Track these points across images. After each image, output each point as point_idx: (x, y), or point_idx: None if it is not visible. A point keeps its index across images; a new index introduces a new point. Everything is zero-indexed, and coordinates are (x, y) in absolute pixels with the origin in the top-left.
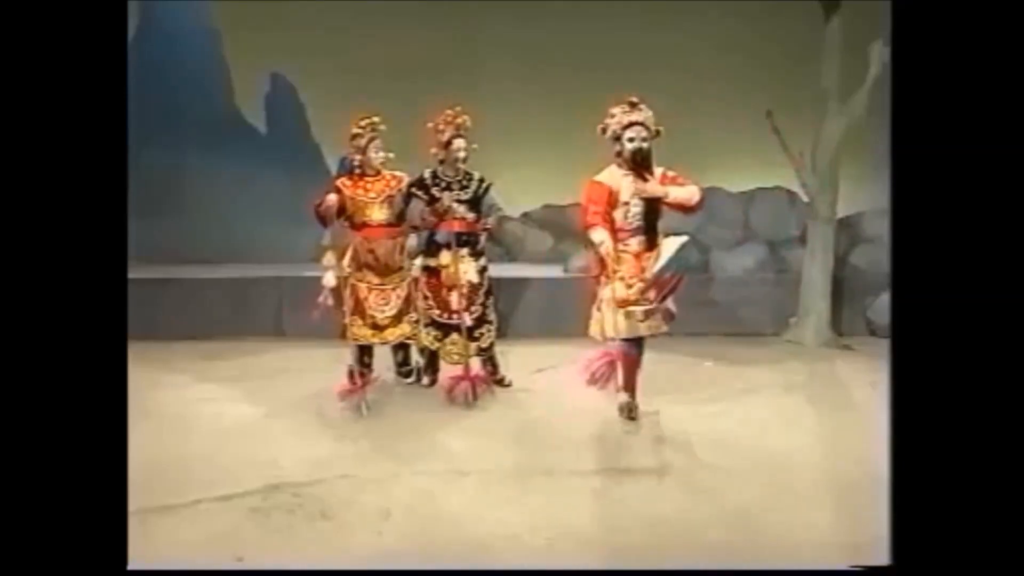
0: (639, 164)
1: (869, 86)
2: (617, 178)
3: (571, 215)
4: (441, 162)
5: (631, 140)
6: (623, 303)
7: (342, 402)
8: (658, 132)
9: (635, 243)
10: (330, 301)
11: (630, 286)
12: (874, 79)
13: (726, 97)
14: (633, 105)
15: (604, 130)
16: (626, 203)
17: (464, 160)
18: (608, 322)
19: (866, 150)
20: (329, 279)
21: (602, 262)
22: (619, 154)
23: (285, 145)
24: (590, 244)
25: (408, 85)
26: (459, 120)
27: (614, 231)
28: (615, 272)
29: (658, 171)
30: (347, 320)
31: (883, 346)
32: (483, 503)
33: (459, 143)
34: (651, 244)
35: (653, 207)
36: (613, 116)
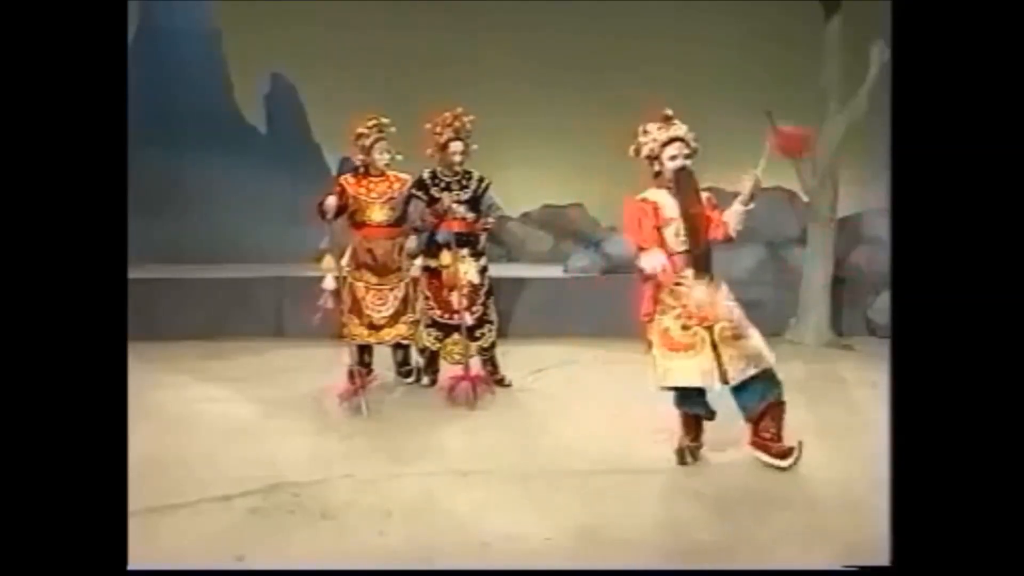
0: (683, 184)
1: (869, 86)
2: (661, 196)
3: (571, 215)
4: (433, 158)
5: (673, 159)
6: (675, 346)
7: (342, 402)
8: (695, 150)
9: (691, 273)
10: (330, 303)
11: (686, 327)
12: (874, 79)
13: (726, 97)
14: (668, 119)
15: (637, 151)
16: (674, 220)
17: (460, 163)
18: (659, 368)
19: (866, 150)
20: (328, 282)
21: (652, 298)
22: (658, 175)
23: (285, 145)
24: (640, 274)
25: (408, 85)
26: (457, 123)
27: (667, 259)
28: (666, 312)
29: (704, 194)
30: (344, 319)
31: (883, 346)
32: (483, 503)
33: (456, 146)
34: (710, 274)
35: (701, 228)
36: (647, 133)
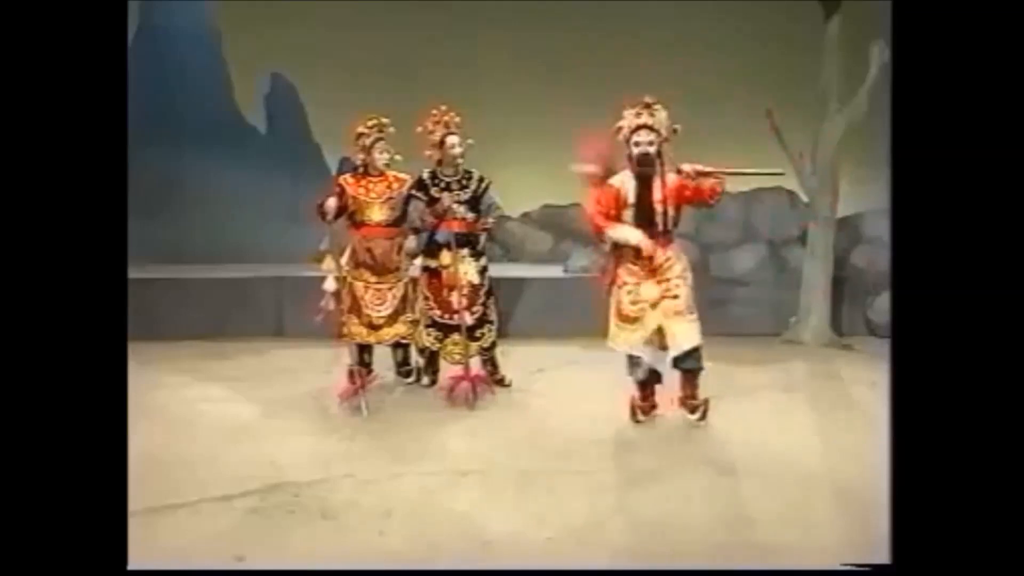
0: (644, 168)
1: (869, 86)
2: (627, 180)
3: (571, 215)
4: (438, 162)
5: (637, 144)
6: (624, 318)
7: (342, 402)
8: (675, 131)
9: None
10: (331, 305)
11: (635, 302)
12: (874, 79)
13: (726, 97)
14: (647, 107)
15: (618, 131)
16: (633, 205)
17: (461, 156)
18: (611, 333)
19: (866, 150)
20: (329, 284)
21: (613, 272)
22: (629, 158)
23: (285, 145)
24: (608, 246)
25: (408, 85)
26: (446, 118)
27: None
28: (619, 287)
29: (672, 177)
30: (343, 318)
31: (883, 346)
32: (483, 503)
33: (452, 140)
34: (664, 257)
35: (653, 214)
36: (624, 119)
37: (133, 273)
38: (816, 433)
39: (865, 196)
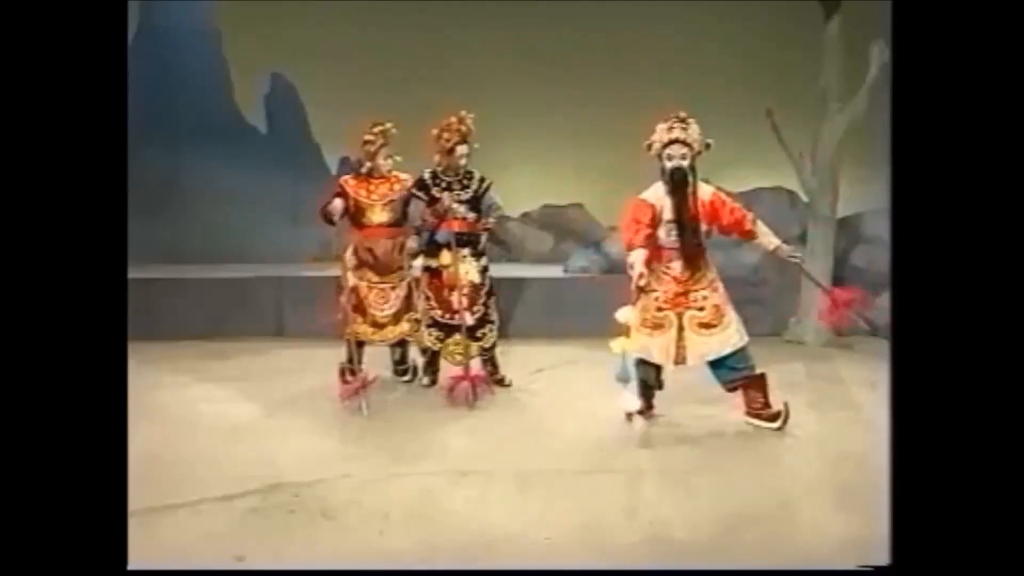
0: (676, 183)
1: (869, 86)
2: (661, 196)
3: (571, 215)
4: (439, 165)
5: (669, 158)
6: (647, 323)
7: (343, 402)
8: (708, 146)
9: (677, 266)
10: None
11: (660, 309)
12: (874, 79)
13: (726, 97)
14: (680, 120)
15: (649, 147)
16: (669, 221)
17: (465, 165)
18: (631, 338)
19: (866, 150)
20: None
21: (645, 275)
22: (663, 172)
23: (285, 145)
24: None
25: (408, 85)
26: (463, 127)
27: (657, 251)
28: (648, 292)
29: (707, 188)
30: (347, 317)
31: (883, 346)
32: (483, 503)
33: (462, 149)
34: (695, 269)
35: (689, 228)
36: (656, 132)
37: (133, 273)
38: (816, 433)
39: (865, 196)
